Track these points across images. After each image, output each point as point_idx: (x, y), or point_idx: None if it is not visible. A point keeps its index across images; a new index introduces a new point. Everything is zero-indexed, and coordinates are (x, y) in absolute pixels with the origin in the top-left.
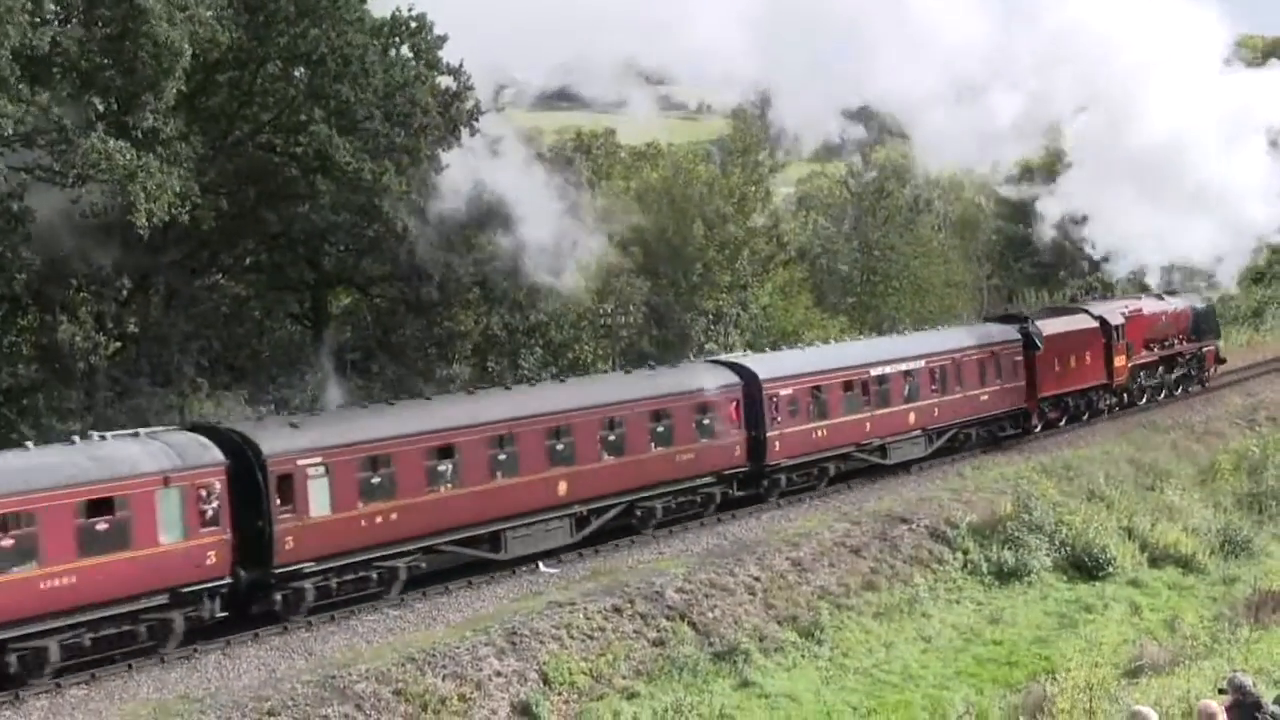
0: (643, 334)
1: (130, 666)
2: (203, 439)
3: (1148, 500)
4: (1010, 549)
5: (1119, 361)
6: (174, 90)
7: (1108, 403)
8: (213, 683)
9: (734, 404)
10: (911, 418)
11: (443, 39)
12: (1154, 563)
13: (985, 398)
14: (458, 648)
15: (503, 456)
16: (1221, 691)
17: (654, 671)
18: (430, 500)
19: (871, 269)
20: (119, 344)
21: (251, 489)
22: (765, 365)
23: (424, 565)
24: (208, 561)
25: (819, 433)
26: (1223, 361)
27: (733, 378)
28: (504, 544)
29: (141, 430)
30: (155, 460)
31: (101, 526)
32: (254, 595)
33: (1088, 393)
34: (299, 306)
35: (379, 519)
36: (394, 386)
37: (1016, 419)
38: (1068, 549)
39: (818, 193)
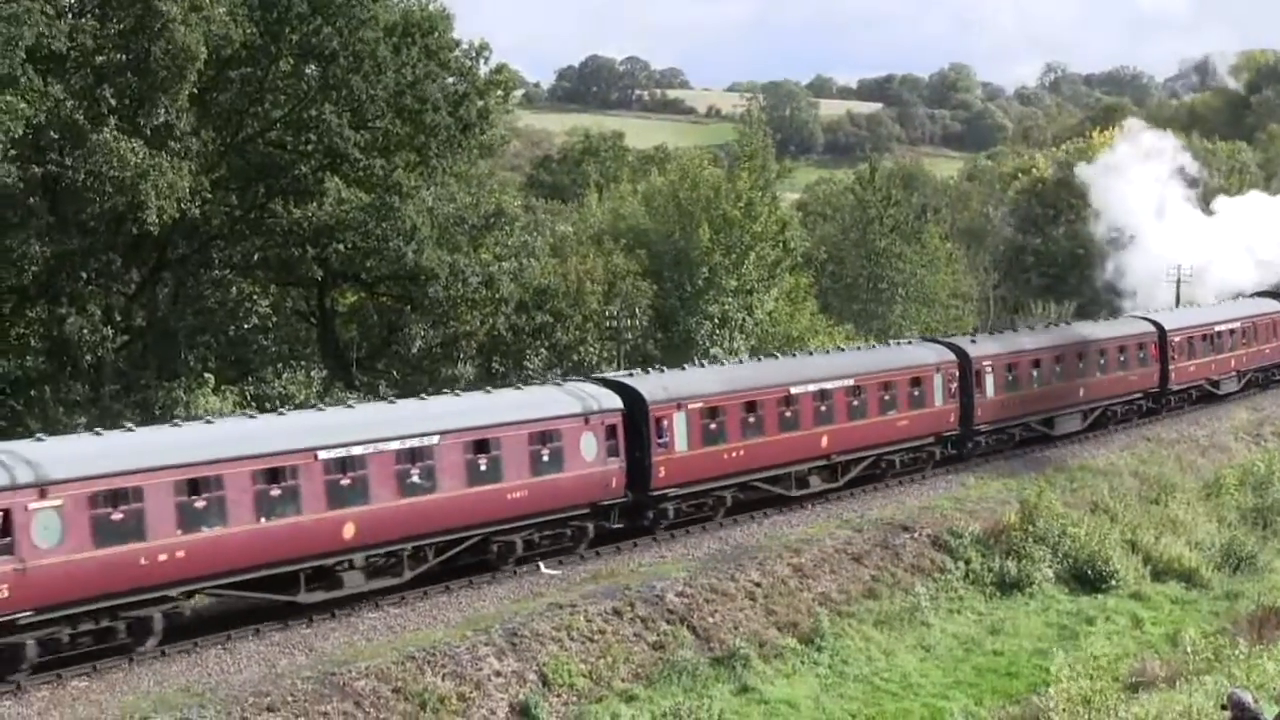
0: (648, 337)
1: (131, 659)
2: (941, 347)
3: (1152, 514)
4: (1013, 559)
5: None
6: (187, 92)
7: None
8: (213, 677)
9: (1154, 345)
10: (1232, 363)
11: (455, 41)
12: (1157, 576)
13: (1268, 350)
14: (458, 647)
15: (1058, 369)
16: (1223, 708)
17: (653, 675)
18: (1029, 394)
19: (878, 276)
20: (126, 337)
21: (965, 378)
22: (1169, 319)
23: (1021, 434)
24: (950, 420)
25: (1192, 368)
26: None
27: (1150, 328)
28: (1055, 425)
29: (920, 336)
30: (937, 355)
31: (915, 393)
32: (962, 440)
33: None
34: (305, 303)
35: (1011, 403)
36: (399, 385)
37: None
38: (1070, 561)
39: (815, 200)
